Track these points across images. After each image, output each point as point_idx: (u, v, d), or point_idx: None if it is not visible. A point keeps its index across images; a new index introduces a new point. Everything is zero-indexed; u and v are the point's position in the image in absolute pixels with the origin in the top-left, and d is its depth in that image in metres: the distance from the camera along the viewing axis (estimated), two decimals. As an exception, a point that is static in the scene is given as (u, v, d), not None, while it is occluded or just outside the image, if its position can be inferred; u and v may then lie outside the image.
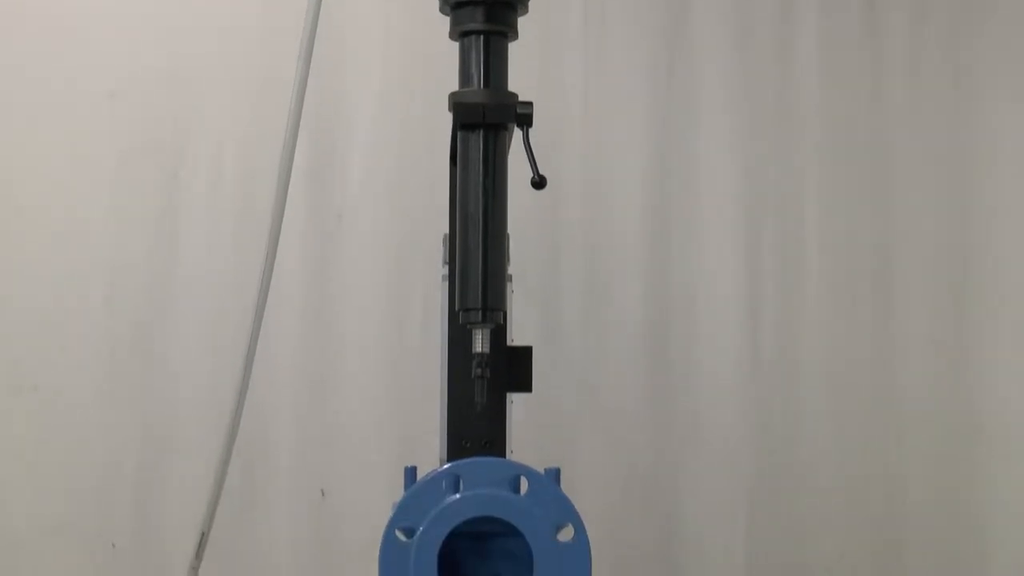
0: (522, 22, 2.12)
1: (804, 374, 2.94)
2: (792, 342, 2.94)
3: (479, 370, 2.00)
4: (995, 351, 2.95)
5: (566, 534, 1.88)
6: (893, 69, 2.99)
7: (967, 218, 2.97)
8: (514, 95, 1.99)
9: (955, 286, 2.96)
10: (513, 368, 2.10)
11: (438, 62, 2.20)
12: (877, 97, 3.00)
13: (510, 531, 1.88)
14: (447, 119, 2.01)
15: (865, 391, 2.94)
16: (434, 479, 1.90)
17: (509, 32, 2.06)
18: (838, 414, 2.93)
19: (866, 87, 2.99)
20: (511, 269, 2.09)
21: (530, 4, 2.09)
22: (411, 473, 1.96)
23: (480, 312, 1.99)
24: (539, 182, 1.98)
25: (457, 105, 2.01)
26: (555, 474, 1.92)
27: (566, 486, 1.92)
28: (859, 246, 2.96)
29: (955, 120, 3.00)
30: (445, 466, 1.94)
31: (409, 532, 1.88)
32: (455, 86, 2.05)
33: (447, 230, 2.10)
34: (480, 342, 2.00)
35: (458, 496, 1.89)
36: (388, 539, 1.88)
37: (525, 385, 2.10)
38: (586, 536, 1.88)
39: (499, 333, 2.04)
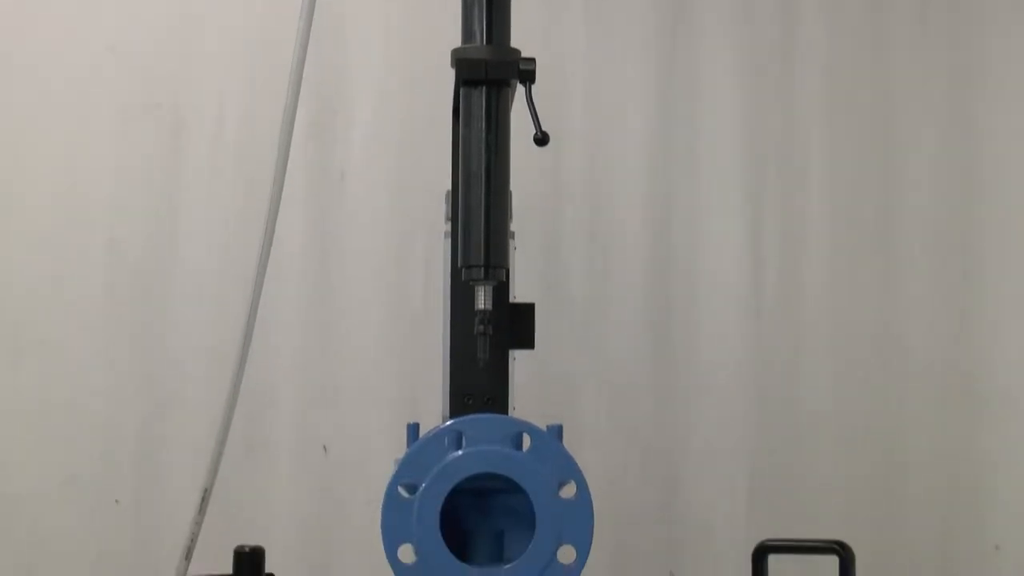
0: (525, -22, 2.09)
1: (806, 334, 2.95)
2: (795, 302, 2.95)
3: (481, 327, 1.99)
4: (998, 312, 2.96)
5: (568, 491, 1.89)
6: (898, 35, 2.99)
7: (971, 181, 2.98)
8: (517, 51, 1.99)
9: (958, 248, 2.96)
10: (515, 325, 2.10)
11: (441, 19, 2.19)
12: (880, 61, 2.99)
13: (512, 488, 1.89)
14: (450, 76, 2.01)
15: (867, 352, 2.95)
16: (436, 436, 1.91)
17: None
18: (840, 374, 2.94)
19: (869, 56, 3.00)
20: (514, 226, 2.08)
21: (532, -39, 2.07)
22: (413, 430, 1.96)
23: (482, 269, 1.98)
24: (542, 139, 1.98)
25: (460, 61, 2.00)
26: (557, 431, 1.93)
27: (568, 442, 1.93)
28: (863, 205, 2.97)
29: (960, 82, 3.00)
30: (447, 423, 1.94)
31: (411, 489, 1.89)
32: (458, 43, 2.04)
33: (450, 187, 2.09)
34: (482, 299, 2.00)
35: (460, 453, 1.90)
36: (390, 495, 1.89)
37: (527, 342, 2.10)
38: (588, 493, 1.89)
39: (501, 290, 2.04)
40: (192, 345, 2.76)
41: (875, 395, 2.92)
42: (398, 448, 1.96)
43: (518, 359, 2.13)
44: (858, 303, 2.95)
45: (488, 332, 2.00)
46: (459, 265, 2.00)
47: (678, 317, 2.90)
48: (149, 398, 2.76)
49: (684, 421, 2.88)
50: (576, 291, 2.88)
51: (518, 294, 2.13)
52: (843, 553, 2.19)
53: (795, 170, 2.97)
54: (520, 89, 2.02)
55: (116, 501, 2.72)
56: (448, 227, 2.12)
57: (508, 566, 1.88)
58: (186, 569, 2.12)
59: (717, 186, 2.95)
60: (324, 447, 2.81)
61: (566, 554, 1.88)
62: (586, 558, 1.88)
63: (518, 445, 1.90)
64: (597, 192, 2.90)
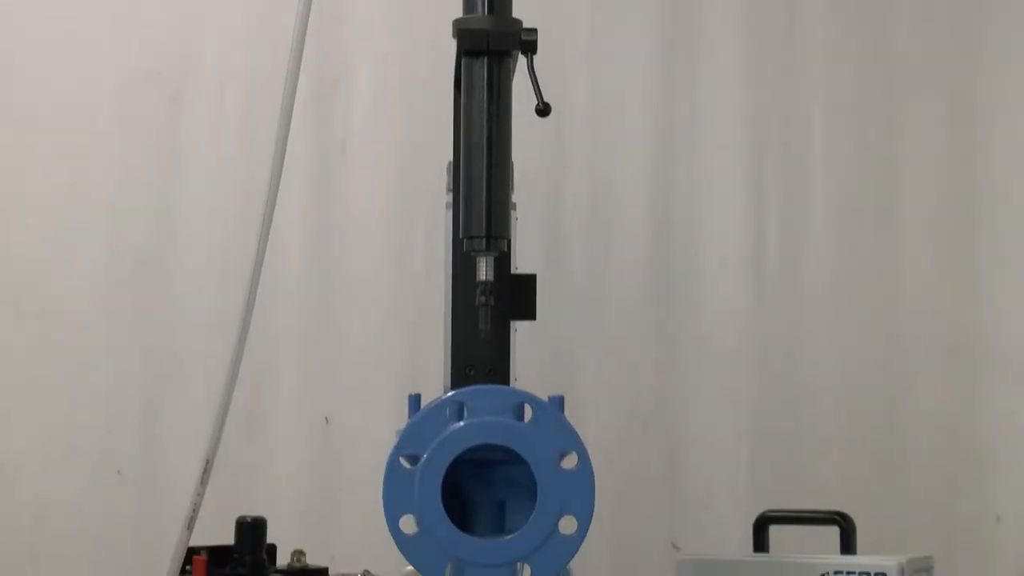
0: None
1: (808, 299, 2.96)
2: (796, 268, 2.96)
3: (483, 298, 1.98)
4: (1001, 282, 2.97)
5: (570, 461, 1.87)
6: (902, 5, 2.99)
7: (975, 149, 2.98)
8: (519, 21, 1.99)
9: (961, 217, 2.97)
10: (517, 296, 2.09)
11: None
12: (884, 21, 2.99)
13: (514, 459, 1.88)
14: (452, 46, 2.02)
15: (869, 315, 2.97)
16: (438, 407, 1.90)
17: None
18: (842, 339, 2.96)
19: (871, 27, 3.01)
20: (515, 197, 2.08)
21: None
22: (415, 401, 1.95)
23: (484, 240, 1.97)
24: (543, 109, 1.98)
25: (461, 32, 2.00)
26: (559, 402, 1.92)
27: (570, 413, 1.92)
28: (866, 174, 2.98)
29: (964, 46, 3.00)
30: (449, 394, 1.94)
31: (413, 459, 1.88)
32: (459, 13, 2.05)
33: (451, 158, 2.09)
34: (484, 270, 1.99)
35: (462, 424, 1.89)
36: (392, 466, 1.88)
37: (529, 313, 2.10)
38: (590, 463, 1.87)
39: (503, 261, 2.03)
40: (194, 314, 2.77)
41: (877, 367, 2.94)
42: (399, 419, 1.94)
43: (519, 330, 2.13)
44: (860, 272, 2.96)
45: (490, 303, 1.99)
46: (460, 236, 2.00)
47: (679, 289, 2.90)
48: (151, 368, 2.76)
49: (685, 392, 2.89)
50: (577, 263, 2.88)
51: (520, 265, 2.13)
52: (844, 524, 2.19)
53: (798, 142, 2.97)
54: (522, 60, 2.03)
55: (118, 472, 2.73)
56: (449, 198, 2.12)
57: (509, 536, 1.87)
58: (188, 539, 2.11)
59: (719, 158, 2.95)
60: (326, 418, 2.79)
61: (567, 524, 1.86)
62: (587, 529, 1.86)
63: (519, 416, 1.89)
64: (599, 164, 2.91)
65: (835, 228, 2.96)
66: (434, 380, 2.16)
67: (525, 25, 2.02)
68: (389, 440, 1.92)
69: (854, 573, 2.07)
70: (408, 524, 1.89)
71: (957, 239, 2.98)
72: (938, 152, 2.98)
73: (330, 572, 2.27)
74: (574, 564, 1.96)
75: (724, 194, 2.95)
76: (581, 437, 1.90)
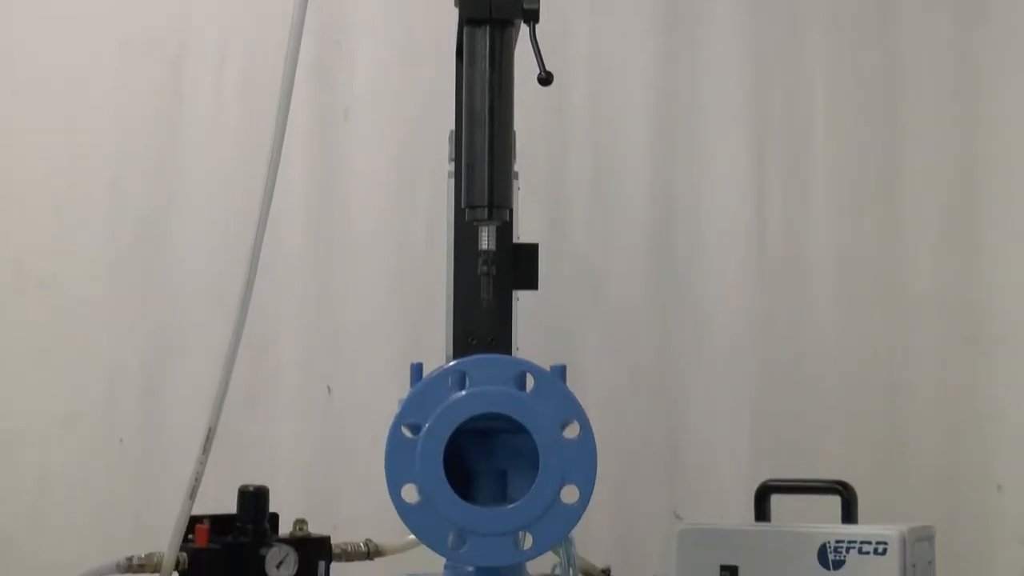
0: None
1: (810, 270, 2.98)
2: (798, 239, 2.98)
3: (485, 267, 2.00)
4: (1003, 250, 2.98)
5: (572, 431, 1.88)
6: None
7: (980, 115, 2.99)
8: None
9: (963, 184, 2.98)
10: (519, 265, 2.12)
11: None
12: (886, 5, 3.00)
13: (515, 428, 1.88)
14: (454, 14, 2.03)
15: (871, 287, 2.98)
16: (440, 376, 1.91)
17: None
18: (845, 309, 2.98)
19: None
20: (517, 166, 2.08)
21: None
22: (417, 370, 1.96)
23: (486, 209, 1.99)
24: (545, 78, 1.98)
25: (464, 2, 2.02)
26: (561, 371, 1.92)
27: (571, 383, 1.93)
28: (868, 141, 2.99)
29: (966, 23, 3.02)
30: (451, 363, 1.95)
31: (415, 429, 1.89)
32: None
33: (453, 127, 2.11)
34: (486, 239, 2.00)
35: (464, 393, 1.89)
36: (394, 435, 1.88)
37: (531, 282, 2.12)
38: (591, 433, 1.87)
39: (505, 230, 2.05)
40: (195, 283, 2.83)
41: (878, 334, 2.95)
42: (402, 388, 1.96)
43: (521, 299, 2.16)
44: (863, 244, 2.98)
45: (492, 272, 2.01)
46: (463, 205, 2.01)
47: (681, 260, 2.94)
48: (153, 336, 2.81)
49: (687, 362, 2.92)
50: (579, 233, 2.90)
51: (521, 234, 2.16)
52: (845, 493, 2.22)
53: (800, 109, 2.99)
54: (524, 29, 2.04)
55: (120, 440, 2.77)
56: (451, 167, 2.14)
57: (511, 506, 1.88)
58: (190, 508, 2.14)
59: (721, 125, 2.97)
60: (328, 387, 2.83)
61: (569, 494, 1.87)
62: (589, 498, 1.87)
63: (521, 385, 1.90)
64: (600, 132, 2.94)
65: (838, 200, 2.98)
66: (436, 349, 2.18)
67: (528, -9, 1.98)
68: (391, 409, 1.93)
69: (855, 542, 2.11)
70: (410, 493, 1.90)
71: (960, 211, 3.00)
72: (941, 126, 2.99)
73: (332, 541, 2.28)
74: (575, 533, 1.97)
75: (726, 165, 2.97)
76: (583, 406, 1.90)
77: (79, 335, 2.81)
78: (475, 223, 2.01)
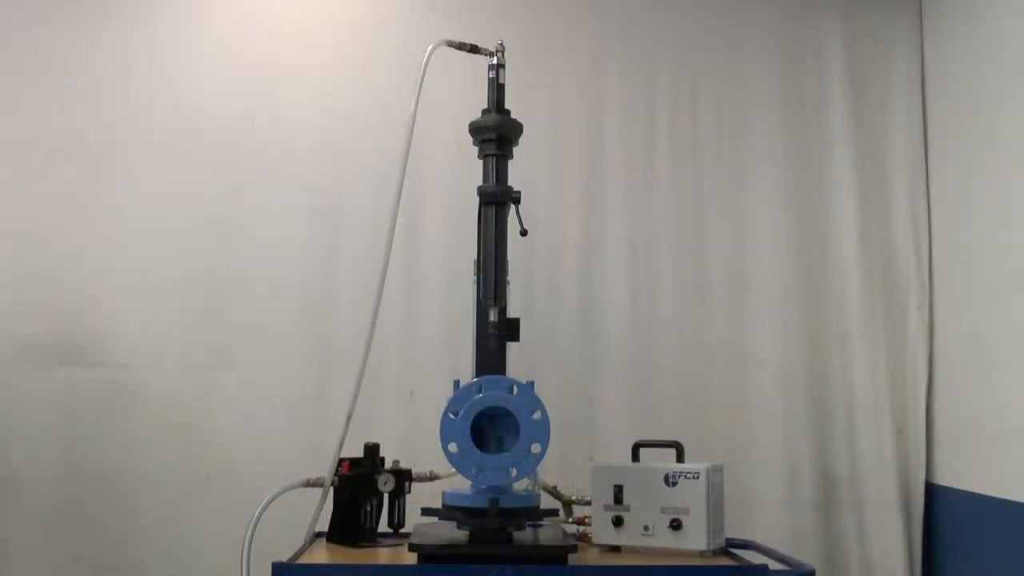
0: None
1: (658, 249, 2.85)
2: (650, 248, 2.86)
3: (492, 330, 2.15)
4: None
5: (537, 415, 1.98)
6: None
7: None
8: (514, 189, 2.16)
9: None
10: (510, 329, 2.14)
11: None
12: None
13: (509, 414, 1.98)
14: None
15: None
16: (468, 386, 2.05)
17: (510, 151, 2.26)
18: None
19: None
20: (509, 277, 2.21)
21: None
22: (456, 383, 2.09)
23: (492, 299, 2.12)
24: (524, 232, 2.20)
25: (482, 193, 2.24)
26: (531, 384, 2.04)
27: (538, 390, 1.97)
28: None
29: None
30: (473, 380, 2.08)
31: (455, 413, 2.00)
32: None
33: (475, 258, 2.22)
34: (492, 315, 2.16)
35: (481, 395, 2.00)
36: (445, 417, 2.01)
37: (515, 338, 2.20)
38: (547, 417, 2.00)
39: (502, 311, 2.13)
40: (348, 325, 2.71)
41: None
42: (448, 392, 2.02)
43: (511, 347, 2.20)
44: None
45: (495, 333, 2.15)
46: (480, 296, 2.21)
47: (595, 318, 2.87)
48: (316, 366, 2.77)
49: (596, 372, 2.74)
50: (541, 310, 2.75)
51: (511, 312, 2.20)
52: (678, 447, 2.19)
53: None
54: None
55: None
56: (475, 277, 2.25)
57: (506, 453, 1.97)
58: (339, 453, 2.14)
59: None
60: (411, 392, 2.77)
61: (536, 448, 1.97)
62: (545, 450, 1.97)
63: (511, 391, 2.01)
64: (553, 261, 2.82)
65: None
66: (466, 373, 2.26)
67: (515, 187, 2.18)
68: (443, 403, 2.04)
69: (682, 473, 2.15)
70: (453, 447, 1.99)
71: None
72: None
73: (412, 472, 2.30)
74: (540, 469, 2.05)
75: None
76: (544, 402, 2.00)
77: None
78: (487, 307, 2.16)
